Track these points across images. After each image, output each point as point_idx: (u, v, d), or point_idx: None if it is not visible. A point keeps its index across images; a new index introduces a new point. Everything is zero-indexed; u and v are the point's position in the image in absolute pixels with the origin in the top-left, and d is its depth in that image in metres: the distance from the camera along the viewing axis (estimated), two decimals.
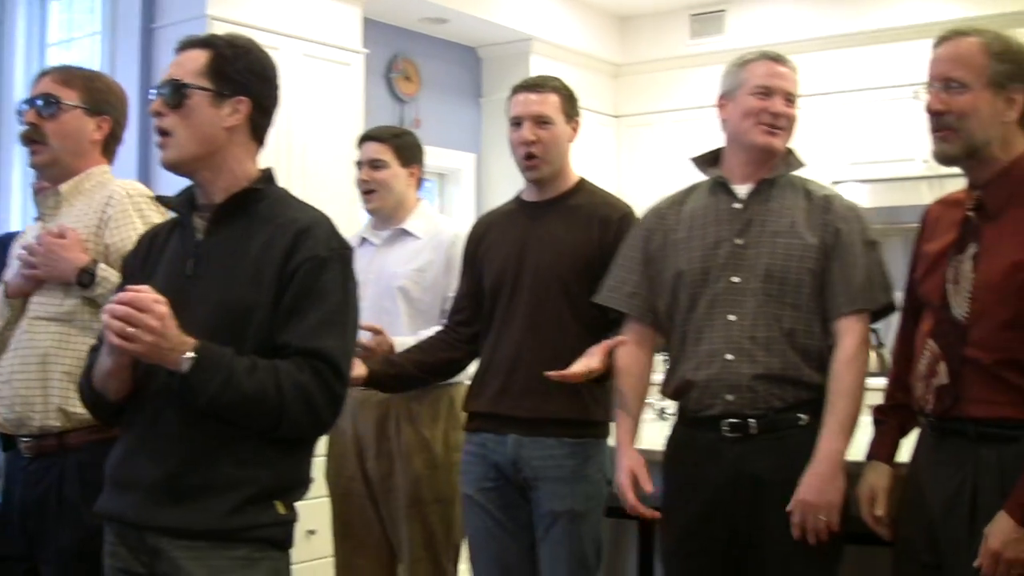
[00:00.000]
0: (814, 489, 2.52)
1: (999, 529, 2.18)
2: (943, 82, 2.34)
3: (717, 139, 2.84)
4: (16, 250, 2.78)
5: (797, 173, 2.79)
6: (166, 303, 1.97)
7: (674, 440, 2.81)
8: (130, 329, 1.93)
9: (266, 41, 2.66)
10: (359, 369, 3.02)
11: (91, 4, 5.55)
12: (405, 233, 3.56)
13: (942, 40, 2.39)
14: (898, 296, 2.64)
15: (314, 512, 3.19)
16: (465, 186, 7.01)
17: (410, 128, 4.04)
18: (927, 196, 2.62)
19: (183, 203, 2.26)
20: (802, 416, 2.62)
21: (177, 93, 2.14)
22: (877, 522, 2.49)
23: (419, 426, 3.40)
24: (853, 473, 2.57)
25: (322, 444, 2.57)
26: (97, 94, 2.81)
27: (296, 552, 2.22)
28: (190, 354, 1.98)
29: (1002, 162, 2.35)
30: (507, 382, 3.01)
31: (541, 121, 3.04)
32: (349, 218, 4.89)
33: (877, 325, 2.72)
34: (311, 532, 4.21)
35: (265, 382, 2.02)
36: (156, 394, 2.09)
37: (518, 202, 3.21)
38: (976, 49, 2.33)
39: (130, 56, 5.16)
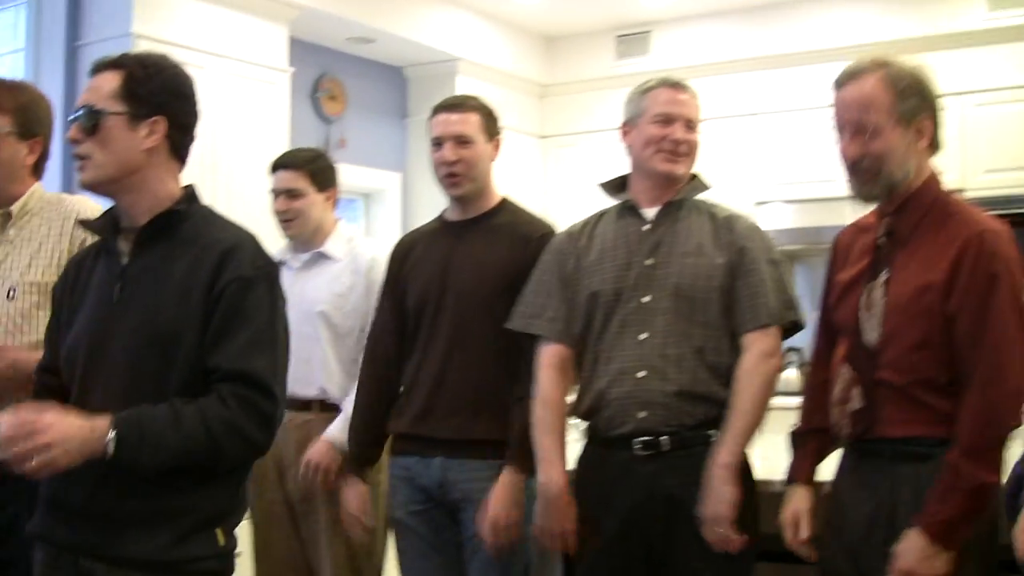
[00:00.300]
0: (706, 503, 2.56)
1: (910, 547, 2.21)
2: (855, 127, 2.38)
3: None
4: None
5: (701, 196, 2.84)
6: (50, 408, 1.94)
7: (584, 460, 2.82)
8: (34, 461, 1.89)
9: (191, 59, 2.64)
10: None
11: (15, 20, 5.45)
12: (323, 256, 3.54)
13: (843, 82, 2.41)
14: (814, 315, 2.68)
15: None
16: (391, 206, 6.97)
17: (335, 148, 4.01)
18: (850, 216, 2.66)
19: (106, 226, 2.23)
20: (712, 433, 2.65)
21: (92, 119, 2.12)
22: (802, 545, 2.51)
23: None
24: (776, 493, 2.60)
25: None
26: (27, 114, 2.75)
27: None
28: (111, 435, 1.94)
29: (912, 187, 2.39)
30: (431, 403, 2.99)
31: (462, 141, 3.04)
32: (274, 236, 4.80)
33: (800, 344, 2.77)
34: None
35: (193, 430, 2.00)
36: None
37: (441, 221, 3.20)
38: (880, 88, 2.35)
39: (54, 74, 5.09)
